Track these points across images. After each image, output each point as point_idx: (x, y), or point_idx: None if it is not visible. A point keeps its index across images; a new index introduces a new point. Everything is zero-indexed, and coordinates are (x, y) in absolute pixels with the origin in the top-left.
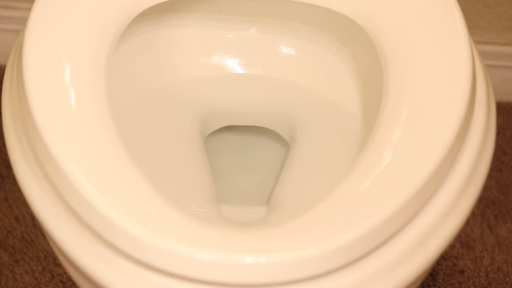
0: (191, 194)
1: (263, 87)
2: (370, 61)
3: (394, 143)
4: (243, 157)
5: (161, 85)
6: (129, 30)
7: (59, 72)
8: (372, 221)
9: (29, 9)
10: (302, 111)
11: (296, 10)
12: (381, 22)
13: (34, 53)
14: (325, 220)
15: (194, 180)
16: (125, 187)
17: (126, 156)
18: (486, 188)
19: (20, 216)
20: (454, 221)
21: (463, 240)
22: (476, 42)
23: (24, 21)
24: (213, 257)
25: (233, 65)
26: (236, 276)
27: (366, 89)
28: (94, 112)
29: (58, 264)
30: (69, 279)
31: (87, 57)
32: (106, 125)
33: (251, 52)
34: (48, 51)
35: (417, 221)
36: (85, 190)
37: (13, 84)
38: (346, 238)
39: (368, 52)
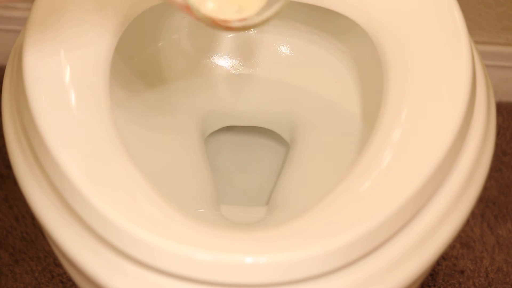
0: (191, 194)
1: (263, 87)
2: (370, 61)
3: (394, 143)
4: (243, 157)
5: (161, 85)
6: (129, 30)
7: (59, 72)
8: (372, 221)
9: (29, 9)
10: (302, 111)
11: (296, 10)
12: (381, 22)
13: (34, 53)
14: (325, 220)
15: (194, 181)
16: (125, 188)
17: (126, 156)
18: (486, 188)
19: (20, 216)
20: (454, 221)
21: (463, 240)
22: (476, 42)
23: (24, 21)
24: (213, 258)
25: (233, 65)
26: (236, 276)
27: (366, 89)
28: (94, 112)
29: (58, 264)
30: (69, 279)
31: (87, 57)
32: (106, 125)
33: (251, 52)
34: (48, 51)
35: (417, 221)
36: (85, 190)
37: (13, 84)
38: (346, 238)
39: (368, 52)
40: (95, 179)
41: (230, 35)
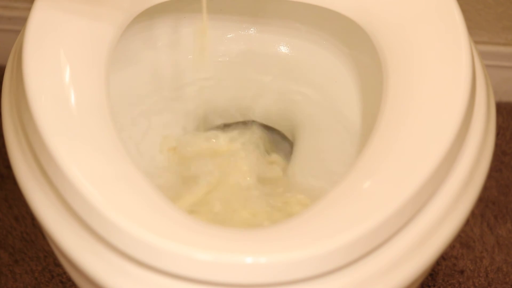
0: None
1: (263, 87)
2: (370, 61)
3: (394, 143)
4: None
5: (161, 85)
6: (129, 30)
7: (59, 72)
8: (372, 221)
9: (29, 9)
10: (302, 111)
11: (296, 10)
12: (381, 22)
13: (34, 53)
14: (325, 220)
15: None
16: (125, 188)
17: (126, 156)
18: (486, 188)
19: (20, 216)
20: (454, 221)
21: (463, 240)
22: (476, 42)
23: (24, 21)
24: (213, 258)
25: (233, 65)
26: (236, 276)
27: (366, 89)
28: (94, 112)
29: (58, 264)
30: (69, 279)
31: (87, 57)
32: (106, 125)
33: (251, 52)
34: (48, 51)
35: (417, 221)
36: (85, 190)
37: (13, 84)
38: (346, 238)
39: (368, 52)
40: (95, 179)
41: (230, 35)
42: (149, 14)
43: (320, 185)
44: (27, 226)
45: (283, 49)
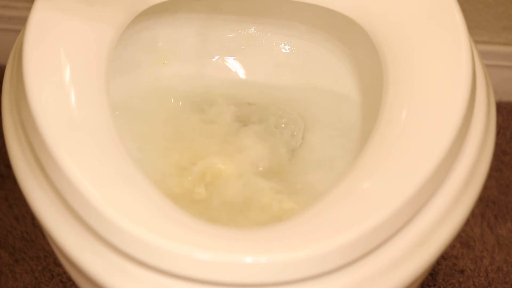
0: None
1: (262, 87)
2: (370, 61)
3: (394, 143)
4: None
5: (161, 85)
6: (129, 30)
7: (59, 71)
8: (372, 221)
9: (29, 9)
10: (302, 111)
11: (296, 10)
12: (381, 22)
13: (34, 53)
14: (325, 220)
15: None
16: (125, 187)
17: (126, 155)
18: (486, 188)
19: (20, 215)
20: (454, 221)
21: (463, 240)
22: (476, 42)
23: (24, 21)
24: (213, 257)
25: (233, 65)
26: (236, 276)
27: (366, 89)
28: (94, 111)
29: (58, 264)
30: (69, 279)
31: (87, 57)
32: (106, 124)
33: (251, 52)
34: (48, 51)
35: (417, 221)
36: (85, 190)
37: (13, 84)
38: (346, 238)
39: (368, 52)
40: (95, 178)
41: (230, 35)
42: (149, 14)
43: (320, 184)
44: (27, 225)
45: (283, 49)
